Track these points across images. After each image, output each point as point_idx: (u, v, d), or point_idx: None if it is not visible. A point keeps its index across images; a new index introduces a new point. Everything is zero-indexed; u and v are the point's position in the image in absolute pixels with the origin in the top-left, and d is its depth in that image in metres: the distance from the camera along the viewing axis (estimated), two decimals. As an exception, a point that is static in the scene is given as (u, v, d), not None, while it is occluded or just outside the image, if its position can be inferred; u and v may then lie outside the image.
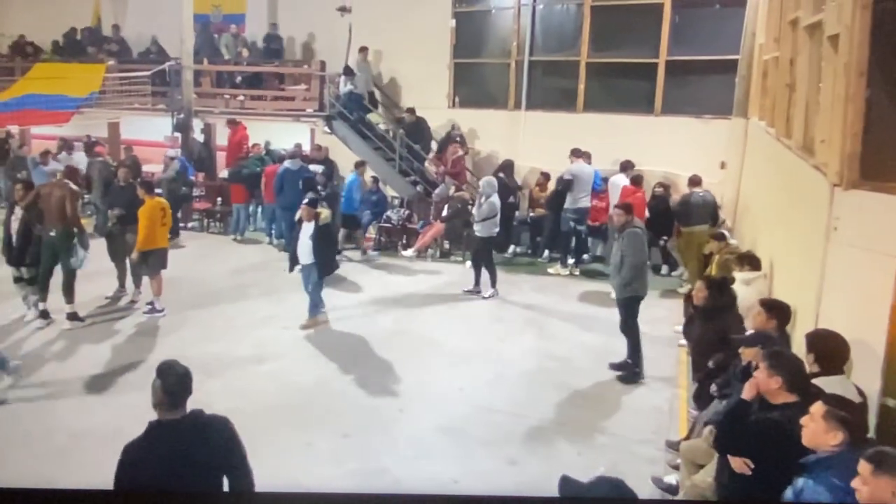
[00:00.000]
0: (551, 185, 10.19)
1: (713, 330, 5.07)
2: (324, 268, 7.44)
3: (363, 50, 11.87)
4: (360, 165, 10.78)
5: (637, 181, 9.26)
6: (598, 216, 9.74)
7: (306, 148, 11.94)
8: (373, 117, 12.02)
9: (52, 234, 7.24)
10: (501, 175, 10.21)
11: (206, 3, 13.75)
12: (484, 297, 8.49)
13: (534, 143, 10.96)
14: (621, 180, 9.41)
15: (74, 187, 7.64)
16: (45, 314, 7.30)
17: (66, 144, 11.78)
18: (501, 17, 11.65)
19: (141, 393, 5.94)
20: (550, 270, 9.59)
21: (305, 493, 4.39)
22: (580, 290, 8.96)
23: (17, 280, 7.41)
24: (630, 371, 6.42)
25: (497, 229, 8.59)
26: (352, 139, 11.72)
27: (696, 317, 5.53)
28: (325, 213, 7.49)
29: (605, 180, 9.77)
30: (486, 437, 5.37)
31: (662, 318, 7.90)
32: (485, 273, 8.63)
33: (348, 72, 11.90)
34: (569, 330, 7.55)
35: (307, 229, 7.30)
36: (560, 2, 11.28)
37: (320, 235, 7.28)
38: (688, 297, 7.10)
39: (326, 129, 11.94)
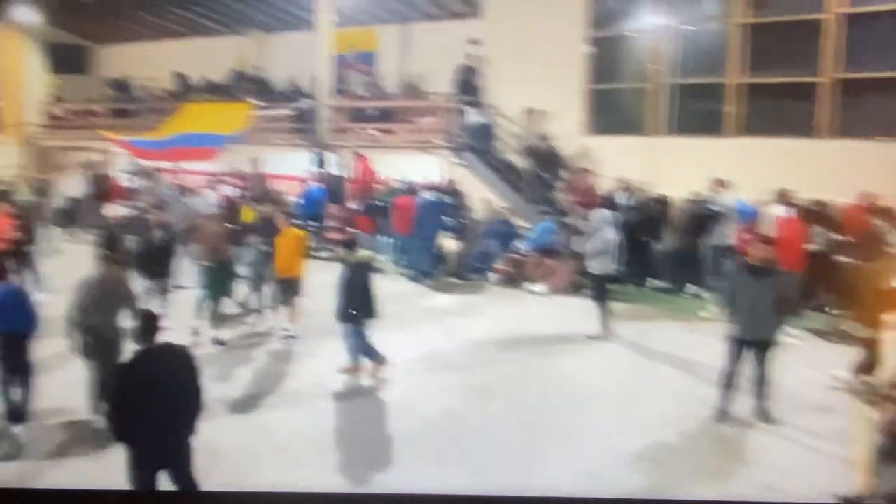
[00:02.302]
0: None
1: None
2: (347, 312, 6.89)
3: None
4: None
5: (795, 212, 8.64)
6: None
7: (435, 179, 12.28)
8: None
9: (205, 264, 8.04)
10: (656, 206, 10.00)
11: (342, 43, 14.70)
12: (590, 337, 8.13)
13: (676, 170, 10.58)
14: (777, 211, 8.82)
15: (228, 225, 8.43)
16: (217, 341, 7.99)
17: (217, 180, 12.94)
18: (641, 40, 11.49)
19: (278, 416, 6.34)
20: (702, 314, 8.87)
21: (306, 494, 4.51)
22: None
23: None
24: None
25: (614, 266, 8.24)
26: (480, 169, 11.95)
27: None
28: (364, 252, 7.27)
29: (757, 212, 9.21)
30: (632, 487, 5.14)
31: (831, 361, 7.21)
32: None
33: (477, 103, 12.18)
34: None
35: (344, 271, 7.05)
36: (705, 22, 10.96)
37: (351, 277, 6.95)
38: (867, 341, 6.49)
39: (455, 159, 12.25)
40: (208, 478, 5.28)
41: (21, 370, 5.67)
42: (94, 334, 5.79)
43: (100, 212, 14.62)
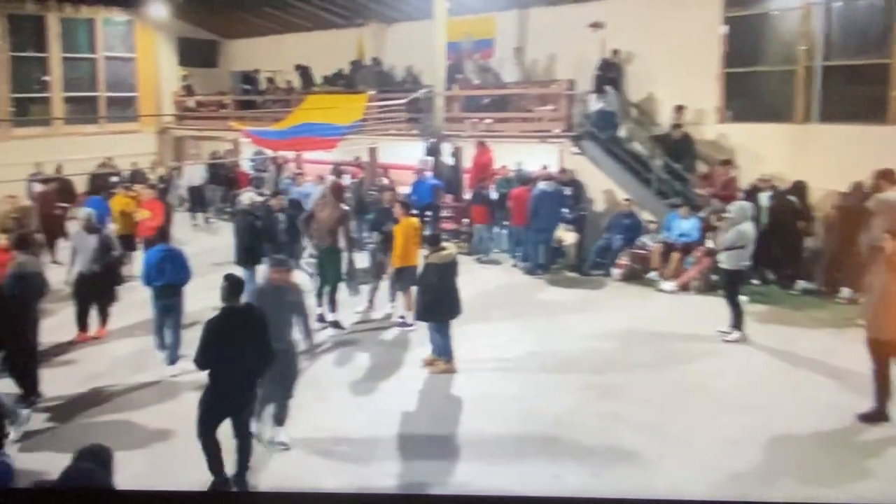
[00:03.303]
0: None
1: None
2: (427, 312, 6.90)
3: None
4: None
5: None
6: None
7: (552, 169, 12.08)
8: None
9: (321, 248, 8.34)
10: (793, 198, 9.34)
11: (457, 31, 14.76)
12: (725, 341, 7.71)
13: (827, 161, 9.79)
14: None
15: (346, 208, 8.71)
16: (336, 324, 8.33)
17: (336, 169, 13.45)
18: (785, 18, 10.74)
19: (392, 400, 6.46)
20: (861, 321, 8.21)
21: (306, 493, 4.53)
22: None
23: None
24: None
25: (747, 262, 7.80)
26: (602, 159, 11.61)
27: None
28: (450, 248, 7.05)
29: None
30: (756, 497, 4.86)
31: None
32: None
33: (599, 89, 11.82)
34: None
35: (426, 268, 6.97)
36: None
37: (434, 275, 6.82)
38: None
39: (575, 149, 11.98)
40: (328, 459, 5.48)
41: (176, 314, 7.10)
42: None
43: (226, 199, 15.62)
